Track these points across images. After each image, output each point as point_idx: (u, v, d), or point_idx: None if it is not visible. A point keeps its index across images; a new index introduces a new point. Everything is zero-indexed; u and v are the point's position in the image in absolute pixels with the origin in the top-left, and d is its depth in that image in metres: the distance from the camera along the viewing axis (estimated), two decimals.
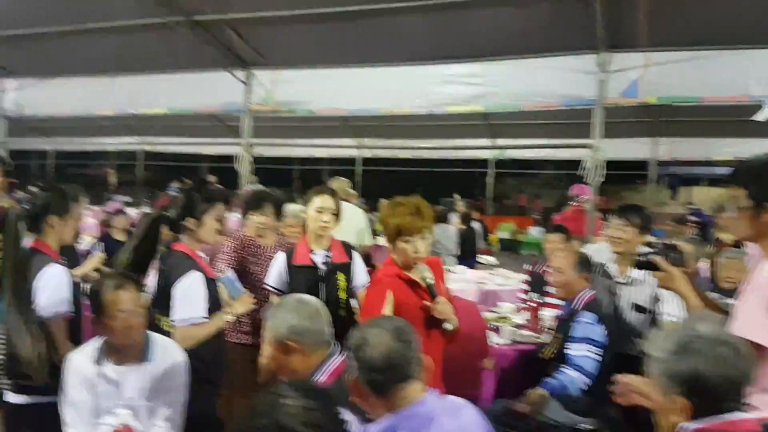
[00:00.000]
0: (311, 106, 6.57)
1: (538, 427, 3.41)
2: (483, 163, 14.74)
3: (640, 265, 2.81)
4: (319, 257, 3.60)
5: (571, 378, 3.54)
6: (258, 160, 15.26)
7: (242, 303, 3.27)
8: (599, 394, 3.33)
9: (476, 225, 10.56)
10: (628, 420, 3.26)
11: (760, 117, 5.23)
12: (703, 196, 17.76)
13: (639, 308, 3.96)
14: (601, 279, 4.04)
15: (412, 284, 3.00)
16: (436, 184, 16.64)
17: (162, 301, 3.07)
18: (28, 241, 2.94)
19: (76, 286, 3.01)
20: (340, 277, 3.62)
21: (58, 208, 3.03)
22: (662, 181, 16.32)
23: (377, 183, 16.62)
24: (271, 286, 3.68)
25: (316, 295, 3.24)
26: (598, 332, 3.61)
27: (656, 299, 3.93)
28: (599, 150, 5.49)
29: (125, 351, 2.70)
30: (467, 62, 5.96)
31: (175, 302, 3.02)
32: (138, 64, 6.74)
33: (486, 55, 5.82)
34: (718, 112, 9.82)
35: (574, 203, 7.53)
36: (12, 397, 2.83)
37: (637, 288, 3.99)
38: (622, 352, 3.70)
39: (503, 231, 17.75)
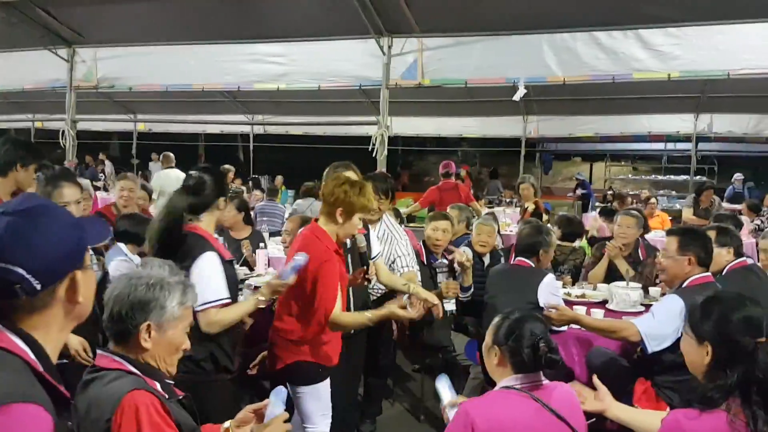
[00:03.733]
0: (130, 82, 6.88)
1: None
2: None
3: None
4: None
5: None
6: (158, 137, 15.47)
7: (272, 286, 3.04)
8: None
9: None
10: None
11: (516, 97, 5.78)
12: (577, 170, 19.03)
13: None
14: None
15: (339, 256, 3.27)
16: (331, 160, 16.93)
17: None
18: None
19: None
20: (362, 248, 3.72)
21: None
22: (534, 158, 17.17)
23: (272, 159, 17.16)
24: None
25: (345, 266, 3.40)
26: None
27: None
28: (385, 127, 5.99)
29: None
30: (271, 42, 6.37)
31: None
32: None
33: (286, 37, 6.25)
34: (580, 92, 10.56)
35: (445, 177, 8.46)
36: None
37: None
38: None
39: (400, 206, 18.33)
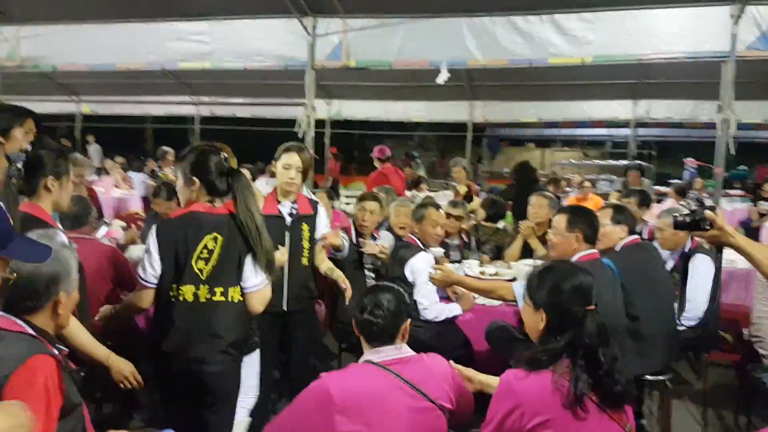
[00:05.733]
0: (53, 61, 6.76)
1: None
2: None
3: (682, 226, 2.49)
4: (285, 208, 3.82)
5: None
6: (100, 119, 15.19)
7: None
8: None
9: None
10: None
11: (439, 80, 5.84)
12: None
13: None
14: None
15: None
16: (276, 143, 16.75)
17: (222, 271, 2.89)
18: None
19: None
20: (305, 228, 3.84)
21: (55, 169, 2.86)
22: (482, 143, 17.35)
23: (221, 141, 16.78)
24: None
25: (282, 242, 3.64)
26: None
27: None
28: (311, 108, 6.00)
29: None
30: (195, 20, 6.31)
31: (248, 268, 2.91)
32: None
33: (209, 14, 6.21)
34: (521, 77, 10.65)
35: (383, 163, 8.43)
36: None
37: None
38: None
39: (352, 189, 18.37)
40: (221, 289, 2.86)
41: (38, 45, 6.65)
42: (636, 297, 3.73)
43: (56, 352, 2.03)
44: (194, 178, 2.90)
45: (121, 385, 2.86)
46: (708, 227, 2.38)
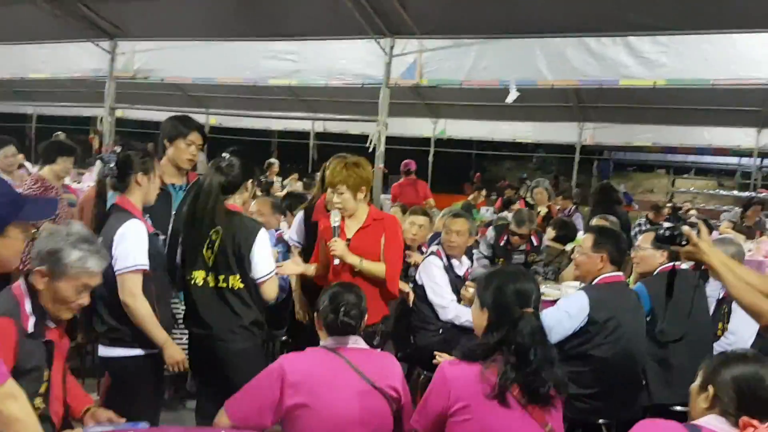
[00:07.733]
0: (163, 74, 7.44)
1: None
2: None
3: (661, 240, 2.58)
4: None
5: None
6: (226, 131, 16.29)
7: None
8: None
9: None
10: None
11: (509, 100, 5.88)
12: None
13: None
14: None
15: None
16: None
17: (226, 262, 3.17)
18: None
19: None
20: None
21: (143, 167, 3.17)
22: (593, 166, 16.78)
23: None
24: (294, 240, 4.33)
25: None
26: None
27: None
28: (384, 125, 6.22)
29: None
30: (286, 40, 6.76)
31: (258, 259, 3.18)
32: (21, 35, 7.74)
33: (298, 35, 6.63)
34: (635, 99, 10.35)
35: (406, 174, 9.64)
36: (103, 351, 3.12)
37: None
38: None
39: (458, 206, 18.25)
40: (223, 276, 3.18)
41: (150, 59, 7.36)
42: (666, 325, 3.61)
43: (30, 320, 2.31)
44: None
45: (169, 369, 3.18)
46: (684, 243, 2.43)
